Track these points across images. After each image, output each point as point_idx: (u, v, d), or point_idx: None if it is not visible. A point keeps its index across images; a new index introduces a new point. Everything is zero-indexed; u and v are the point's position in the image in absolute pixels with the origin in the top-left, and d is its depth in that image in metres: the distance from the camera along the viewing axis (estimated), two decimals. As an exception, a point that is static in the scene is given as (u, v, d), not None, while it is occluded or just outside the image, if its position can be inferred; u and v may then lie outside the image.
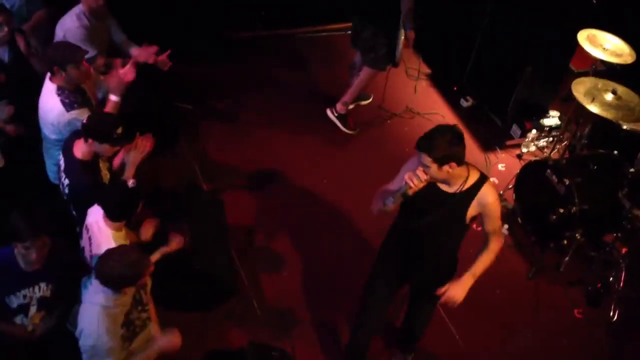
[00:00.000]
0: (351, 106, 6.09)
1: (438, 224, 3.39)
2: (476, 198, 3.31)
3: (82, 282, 3.50)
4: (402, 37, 5.52)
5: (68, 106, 3.95)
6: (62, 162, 3.84)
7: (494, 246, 3.49)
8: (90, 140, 3.66)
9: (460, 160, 3.17)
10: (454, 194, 3.31)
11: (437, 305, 3.89)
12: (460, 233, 3.50)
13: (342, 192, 5.44)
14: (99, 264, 3.18)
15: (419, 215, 3.41)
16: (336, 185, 5.51)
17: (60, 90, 3.96)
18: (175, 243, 3.86)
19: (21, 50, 4.52)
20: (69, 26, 4.51)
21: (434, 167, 3.13)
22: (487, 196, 3.32)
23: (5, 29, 4.30)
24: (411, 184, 3.16)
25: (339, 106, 5.97)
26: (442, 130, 3.17)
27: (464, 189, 3.29)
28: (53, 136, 4.05)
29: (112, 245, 3.43)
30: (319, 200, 5.37)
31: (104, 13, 4.66)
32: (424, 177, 3.16)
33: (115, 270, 3.11)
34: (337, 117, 5.98)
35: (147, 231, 3.94)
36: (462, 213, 3.34)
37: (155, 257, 3.72)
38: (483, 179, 3.33)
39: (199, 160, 5.49)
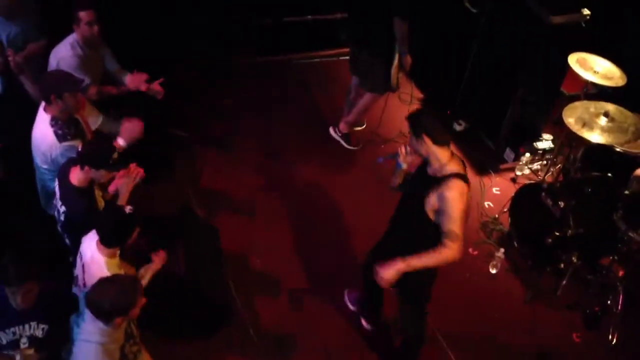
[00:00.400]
0: (346, 130, 6.18)
1: (408, 201, 3.61)
2: (439, 189, 3.34)
3: (71, 319, 3.43)
4: (396, 62, 5.57)
5: (61, 137, 3.95)
6: (57, 190, 3.82)
7: (442, 249, 3.35)
8: (86, 168, 3.65)
9: (436, 138, 3.36)
10: (428, 176, 3.45)
11: (415, 304, 3.91)
12: (421, 222, 3.45)
13: (339, 216, 5.45)
14: (91, 294, 3.14)
15: (408, 197, 3.68)
16: (332, 209, 5.52)
17: (54, 121, 3.96)
18: (159, 259, 3.83)
19: (15, 82, 4.51)
20: (63, 55, 4.52)
21: (411, 137, 3.44)
22: (448, 190, 3.32)
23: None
24: (400, 152, 3.59)
25: (342, 125, 6.12)
26: (429, 110, 3.57)
27: (437, 174, 3.40)
28: (45, 166, 4.05)
29: (105, 272, 3.40)
30: (315, 225, 5.37)
31: (98, 42, 4.67)
32: (407, 149, 3.56)
33: (106, 299, 3.07)
34: (340, 136, 6.12)
35: (159, 261, 3.90)
36: (422, 196, 3.39)
37: (145, 279, 3.70)
38: (455, 175, 3.36)
39: (194, 185, 5.49)
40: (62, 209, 3.78)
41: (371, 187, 5.72)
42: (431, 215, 3.43)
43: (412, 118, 3.47)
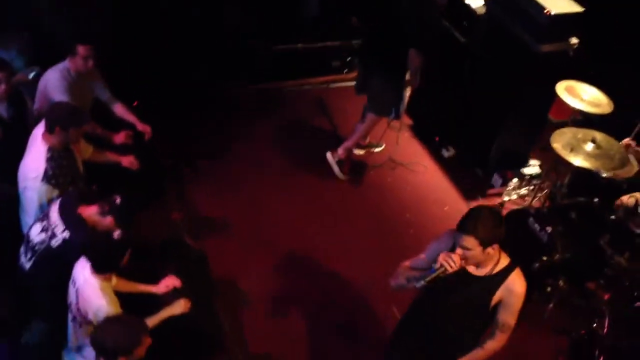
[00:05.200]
0: (360, 152, 6.31)
1: (463, 305, 3.32)
2: (505, 283, 3.22)
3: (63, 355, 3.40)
4: (408, 93, 5.72)
5: (46, 178, 3.99)
6: (53, 218, 3.82)
7: (493, 344, 3.35)
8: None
9: (500, 242, 3.17)
10: (482, 277, 3.24)
11: None
12: (483, 318, 3.36)
13: (329, 241, 5.46)
14: (94, 333, 3.13)
15: (444, 294, 3.34)
16: (323, 234, 5.54)
17: (51, 160, 4.00)
18: (181, 307, 3.81)
19: (21, 107, 4.55)
20: (50, 77, 4.59)
21: (477, 250, 3.08)
22: (516, 284, 3.22)
23: (3, 86, 4.30)
24: (448, 267, 3.08)
25: (340, 151, 6.10)
26: (485, 212, 3.17)
27: (493, 272, 3.23)
28: (29, 192, 4.05)
29: (100, 296, 3.41)
30: (306, 251, 5.37)
31: (91, 73, 4.73)
32: (459, 260, 3.10)
33: (109, 338, 3.05)
34: (336, 162, 6.09)
35: (164, 287, 3.96)
36: (489, 296, 3.24)
37: (154, 320, 3.67)
38: (514, 266, 3.27)
39: (184, 213, 5.48)
40: (64, 235, 3.77)
41: (364, 218, 5.78)
42: (492, 307, 3.29)
43: (478, 232, 3.07)
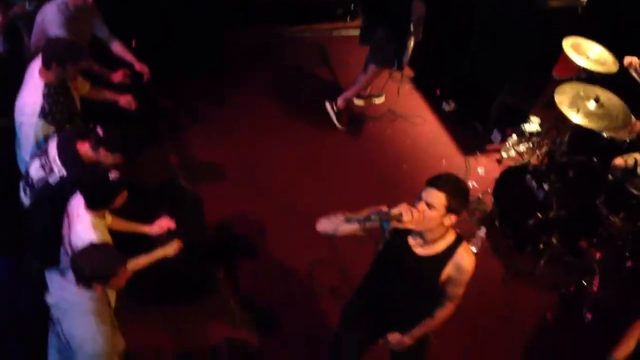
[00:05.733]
0: (360, 102, 6.28)
1: (412, 289, 3.26)
2: (452, 260, 3.13)
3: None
4: (412, 44, 5.62)
5: (43, 114, 3.95)
6: (54, 152, 3.82)
7: (443, 313, 3.30)
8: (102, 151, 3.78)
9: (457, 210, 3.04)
10: (428, 258, 3.14)
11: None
12: (433, 294, 3.28)
13: (324, 191, 5.46)
14: (75, 257, 3.17)
15: (390, 278, 3.30)
16: (319, 183, 5.54)
17: (48, 95, 3.95)
18: (173, 248, 3.86)
19: (17, 41, 4.47)
20: (47, 11, 4.48)
21: (440, 211, 2.97)
22: (465, 260, 3.12)
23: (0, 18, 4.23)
24: (406, 216, 2.94)
25: (339, 101, 6.04)
26: (460, 180, 3.10)
27: (439, 251, 3.13)
28: (26, 127, 4.02)
29: (91, 232, 3.44)
30: (301, 199, 5.35)
31: (90, 10, 4.64)
32: (420, 215, 2.97)
33: (87, 265, 3.09)
34: (335, 112, 6.04)
35: (158, 228, 4.00)
36: (437, 276, 3.16)
37: (146, 259, 3.72)
38: (460, 240, 3.17)
39: (180, 156, 5.47)
40: (62, 172, 3.78)
41: (361, 168, 5.77)
42: (442, 281, 3.20)
43: (451, 193, 2.98)
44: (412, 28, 5.48)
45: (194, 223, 4.63)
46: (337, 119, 6.06)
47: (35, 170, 3.88)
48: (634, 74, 5.03)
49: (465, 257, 3.14)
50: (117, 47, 4.88)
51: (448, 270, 3.15)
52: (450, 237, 3.15)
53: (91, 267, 3.08)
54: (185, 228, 4.39)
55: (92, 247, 3.23)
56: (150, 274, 3.79)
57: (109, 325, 3.20)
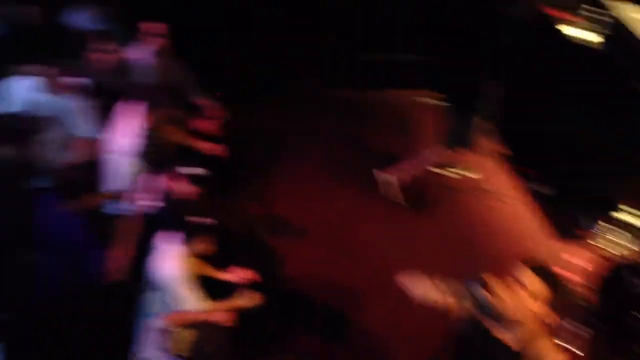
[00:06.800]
0: (452, 174, 6.19)
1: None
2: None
3: None
4: (476, 122, 5.55)
5: (136, 153, 4.15)
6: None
7: None
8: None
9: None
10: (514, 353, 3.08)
11: None
12: None
13: (404, 257, 5.35)
14: None
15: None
16: (400, 250, 5.46)
17: (143, 137, 4.16)
18: (252, 300, 3.80)
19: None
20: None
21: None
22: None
23: (113, 56, 4.46)
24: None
25: (397, 172, 5.92)
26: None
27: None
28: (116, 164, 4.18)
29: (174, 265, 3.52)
30: (381, 271, 5.08)
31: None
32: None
33: None
34: (393, 181, 5.90)
35: (235, 277, 3.98)
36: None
37: (222, 306, 3.70)
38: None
39: (262, 208, 5.52)
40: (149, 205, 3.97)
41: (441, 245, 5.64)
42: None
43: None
44: (478, 106, 5.37)
45: (271, 275, 4.58)
46: (393, 191, 5.92)
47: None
48: None
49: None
50: (199, 100, 5.04)
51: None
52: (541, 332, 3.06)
53: None
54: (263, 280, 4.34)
55: None
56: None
57: None
